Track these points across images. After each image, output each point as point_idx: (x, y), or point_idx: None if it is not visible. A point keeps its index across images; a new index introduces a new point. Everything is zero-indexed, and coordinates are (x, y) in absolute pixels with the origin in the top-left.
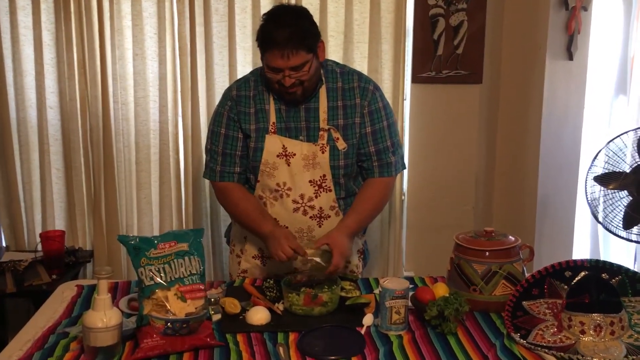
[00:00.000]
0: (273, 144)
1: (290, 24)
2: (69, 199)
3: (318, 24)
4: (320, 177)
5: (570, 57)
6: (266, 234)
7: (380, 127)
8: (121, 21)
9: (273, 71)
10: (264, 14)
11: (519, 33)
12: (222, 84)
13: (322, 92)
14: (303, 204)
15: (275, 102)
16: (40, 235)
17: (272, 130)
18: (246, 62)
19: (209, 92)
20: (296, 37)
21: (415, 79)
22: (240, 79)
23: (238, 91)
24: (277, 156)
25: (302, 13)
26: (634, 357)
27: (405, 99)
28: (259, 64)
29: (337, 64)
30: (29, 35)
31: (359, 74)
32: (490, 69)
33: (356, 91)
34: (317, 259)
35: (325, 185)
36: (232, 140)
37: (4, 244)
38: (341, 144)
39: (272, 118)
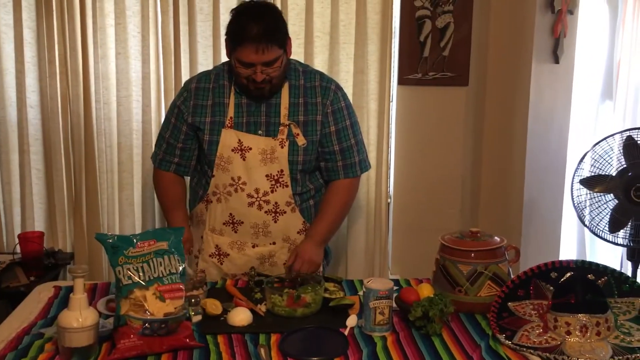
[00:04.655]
0: (229, 138)
1: (263, 18)
2: (49, 199)
3: (304, 24)
4: (278, 172)
5: (557, 60)
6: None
7: (344, 126)
8: (104, 19)
9: (245, 66)
10: (233, 9)
11: (505, 36)
12: None
13: (285, 88)
14: (258, 199)
15: (236, 96)
16: (19, 236)
17: (229, 125)
18: None
19: None
20: (270, 31)
21: (401, 81)
22: (202, 72)
23: (198, 83)
24: (232, 150)
25: (273, 8)
26: (620, 357)
27: (391, 101)
28: None
29: (300, 63)
30: (10, 33)
31: (321, 74)
32: (476, 72)
33: (317, 90)
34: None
35: (282, 181)
36: (177, 131)
37: None
38: (301, 140)
39: (231, 112)
